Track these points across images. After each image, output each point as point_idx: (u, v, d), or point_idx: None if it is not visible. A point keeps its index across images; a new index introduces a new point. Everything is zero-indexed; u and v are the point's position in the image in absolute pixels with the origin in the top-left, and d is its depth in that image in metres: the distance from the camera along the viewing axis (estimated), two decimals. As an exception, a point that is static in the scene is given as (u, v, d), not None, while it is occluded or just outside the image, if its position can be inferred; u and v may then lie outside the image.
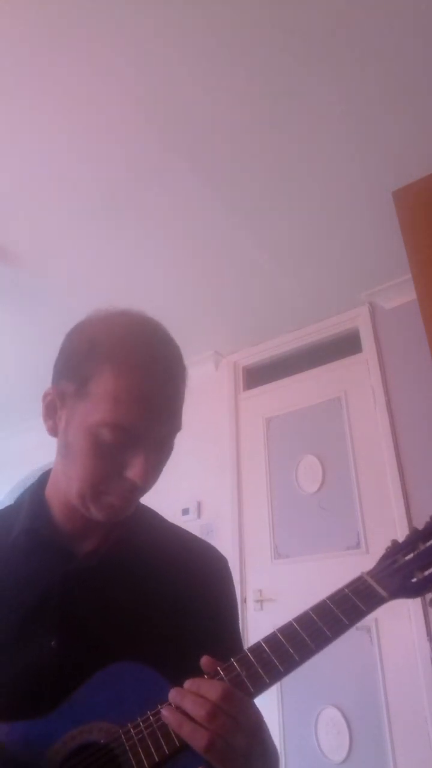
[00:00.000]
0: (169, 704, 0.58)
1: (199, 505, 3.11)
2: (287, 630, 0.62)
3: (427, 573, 0.65)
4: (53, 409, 0.75)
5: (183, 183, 2.14)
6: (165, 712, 0.57)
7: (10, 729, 0.61)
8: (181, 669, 0.60)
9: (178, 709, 0.57)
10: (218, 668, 0.60)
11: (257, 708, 0.59)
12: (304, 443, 2.89)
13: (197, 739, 0.54)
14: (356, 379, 2.83)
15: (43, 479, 0.83)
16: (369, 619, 2.39)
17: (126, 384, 0.68)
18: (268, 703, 2.35)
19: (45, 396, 0.76)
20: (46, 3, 1.54)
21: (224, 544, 2.80)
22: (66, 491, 0.74)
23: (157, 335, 0.75)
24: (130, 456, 0.69)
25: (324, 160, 2.06)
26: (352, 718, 2.29)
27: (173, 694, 0.58)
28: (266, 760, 0.60)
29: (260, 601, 2.70)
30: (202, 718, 0.54)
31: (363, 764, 2.20)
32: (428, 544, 0.67)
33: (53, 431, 0.75)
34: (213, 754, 0.54)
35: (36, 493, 0.81)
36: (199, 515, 3.08)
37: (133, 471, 0.69)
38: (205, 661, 0.60)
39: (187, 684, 0.58)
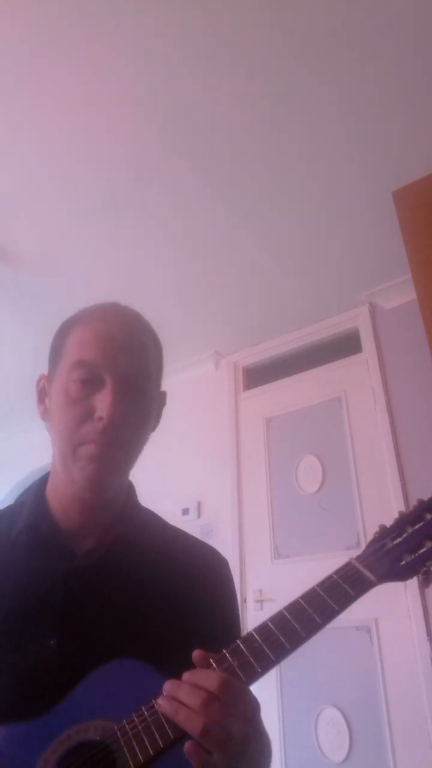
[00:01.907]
0: (164, 695, 0.58)
1: (199, 505, 3.11)
2: (278, 619, 0.62)
3: (415, 555, 0.65)
4: (43, 394, 0.81)
5: (183, 183, 2.14)
6: (159, 701, 0.57)
7: (7, 731, 0.61)
8: (181, 668, 0.60)
9: (174, 698, 0.57)
10: (210, 660, 0.60)
11: (253, 695, 0.59)
12: (304, 443, 2.89)
13: (192, 726, 0.54)
14: (356, 379, 2.83)
15: (44, 479, 0.83)
16: (369, 619, 2.40)
17: (88, 330, 0.77)
18: (268, 703, 2.35)
19: (38, 381, 0.82)
20: (46, 3, 1.54)
21: (224, 544, 2.80)
22: (58, 473, 0.77)
23: (121, 305, 0.82)
24: (98, 398, 0.73)
25: (324, 160, 2.06)
26: (352, 718, 2.29)
27: (168, 685, 0.58)
28: (261, 746, 0.61)
29: (260, 601, 2.70)
30: (197, 706, 0.55)
31: (363, 764, 2.20)
32: (416, 527, 0.67)
33: (45, 415, 0.80)
34: (209, 739, 0.54)
35: (37, 491, 0.82)
36: (199, 515, 3.08)
37: (100, 406, 0.72)
38: (196, 654, 0.61)
39: (185, 676, 0.58)
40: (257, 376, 3.35)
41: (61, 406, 0.74)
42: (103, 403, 0.72)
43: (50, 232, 2.39)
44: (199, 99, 1.82)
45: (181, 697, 0.56)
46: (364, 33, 1.64)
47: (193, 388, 3.42)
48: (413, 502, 0.71)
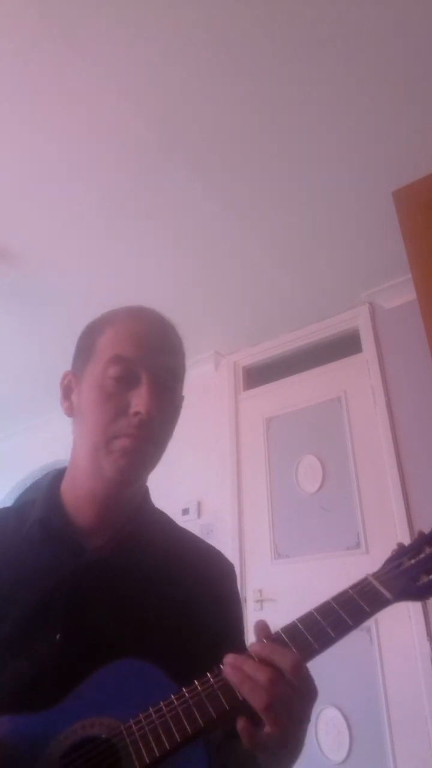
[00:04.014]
0: (230, 664, 0.59)
1: (199, 505, 3.11)
2: (291, 630, 0.62)
3: None
4: (69, 390, 0.81)
5: (182, 183, 2.14)
6: (228, 670, 0.58)
7: (12, 722, 0.61)
8: (185, 667, 0.60)
9: (240, 669, 0.58)
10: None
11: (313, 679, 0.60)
12: (304, 443, 2.89)
13: (256, 699, 0.56)
14: (356, 379, 2.83)
15: (58, 475, 0.84)
16: (369, 619, 2.38)
17: (124, 328, 0.78)
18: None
19: (63, 379, 0.83)
20: (46, 6, 1.54)
21: (224, 544, 2.80)
22: (82, 465, 0.77)
23: (150, 308, 0.85)
24: (134, 394, 0.74)
25: (324, 160, 2.06)
26: (352, 718, 2.29)
27: (231, 659, 0.59)
28: (306, 732, 0.62)
29: (260, 601, 2.70)
30: (264, 682, 0.56)
31: (363, 764, 2.20)
32: None
33: (69, 411, 0.81)
34: (270, 714, 0.55)
35: (51, 486, 0.82)
36: (199, 515, 3.08)
37: (137, 401, 0.73)
38: (259, 624, 0.62)
39: (256, 647, 0.59)
40: (257, 376, 3.35)
41: (96, 402, 0.75)
42: (139, 398, 0.73)
43: (50, 233, 2.39)
44: (199, 99, 1.82)
45: (247, 670, 0.57)
46: (363, 34, 1.64)
47: (193, 388, 3.40)
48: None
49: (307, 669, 0.58)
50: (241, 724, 0.57)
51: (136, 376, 0.75)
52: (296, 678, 0.57)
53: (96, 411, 0.75)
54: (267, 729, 0.56)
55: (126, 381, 0.75)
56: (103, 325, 0.81)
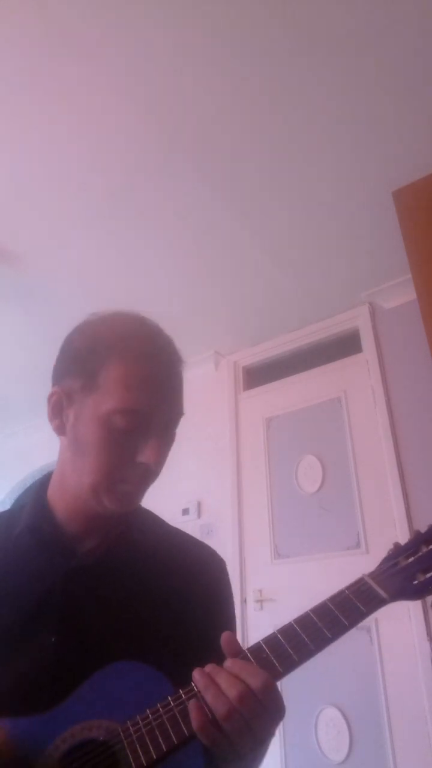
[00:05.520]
0: (202, 670, 0.59)
1: (199, 505, 3.11)
2: (287, 631, 0.62)
3: (428, 575, 0.65)
4: (59, 409, 0.77)
5: (184, 183, 2.14)
6: (196, 675, 0.59)
7: (11, 725, 0.61)
8: (178, 668, 0.61)
9: (208, 676, 0.58)
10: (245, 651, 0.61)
11: (282, 699, 0.60)
12: (304, 443, 2.89)
13: (218, 707, 0.56)
14: (356, 379, 2.83)
15: (44, 481, 0.83)
16: (369, 619, 2.37)
17: (134, 371, 0.72)
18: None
19: (51, 396, 0.77)
20: (49, 6, 1.54)
21: (224, 544, 2.80)
22: (75, 488, 0.75)
23: (154, 328, 0.80)
24: (142, 441, 0.72)
25: (324, 161, 2.06)
26: (352, 718, 2.29)
27: (209, 668, 0.59)
28: (269, 742, 0.62)
29: (260, 601, 2.70)
30: (233, 697, 0.56)
31: (363, 764, 2.20)
32: (431, 547, 0.67)
33: (60, 430, 0.77)
34: (229, 724, 0.56)
35: (38, 493, 0.81)
36: (199, 515, 3.08)
37: (146, 454, 0.71)
38: (227, 636, 0.62)
39: (228, 663, 0.59)
40: (257, 376, 3.35)
41: (101, 442, 0.71)
42: (149, 449, 0.72)
43: (51, 233, 2.39)
44: (201, 100, 1.82)
45: (219, 682, 0.58)
46: (364, 34, 1.64)
47: (193, 388, 3.39)
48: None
49: (276, 689, 0.59)
50: (192, 704, 0.57)
51: (146, 423, 0.72)
52: (266, 698, 0.57)
53: (101, 452, 0.72)
54: (226, 732, 0.56)
55: (135, 427, 0.72)
56: (107, 353, 0.73)
